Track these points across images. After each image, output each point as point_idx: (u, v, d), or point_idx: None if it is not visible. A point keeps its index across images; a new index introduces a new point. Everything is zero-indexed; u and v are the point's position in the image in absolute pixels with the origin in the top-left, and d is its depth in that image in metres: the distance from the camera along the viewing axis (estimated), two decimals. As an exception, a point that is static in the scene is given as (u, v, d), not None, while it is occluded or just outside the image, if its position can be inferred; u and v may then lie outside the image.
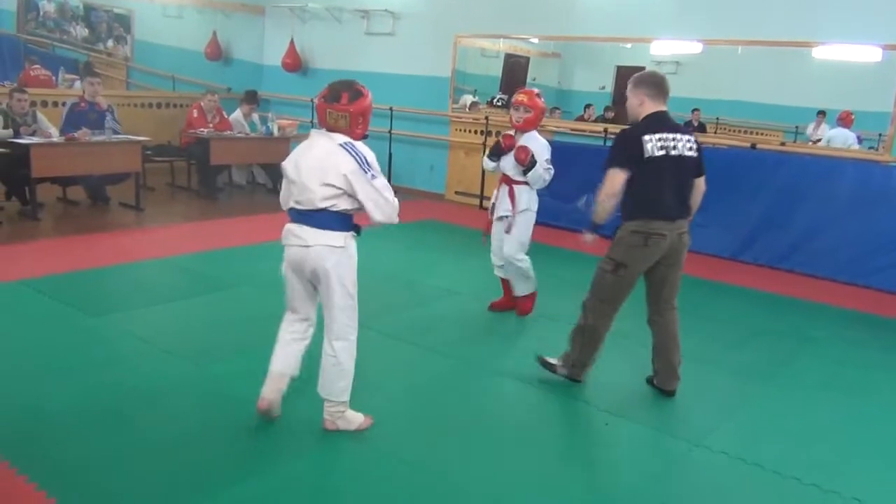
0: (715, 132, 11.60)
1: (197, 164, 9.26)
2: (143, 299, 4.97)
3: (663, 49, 8.99)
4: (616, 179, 3.42)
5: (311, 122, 11.11)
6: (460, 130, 10.08)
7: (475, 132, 9.92)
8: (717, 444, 3.45)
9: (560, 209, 8.54)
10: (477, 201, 9.67)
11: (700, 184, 3.65)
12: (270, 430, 3.27)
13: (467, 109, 10.37)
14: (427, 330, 4.70)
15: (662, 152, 3.42)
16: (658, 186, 3.46)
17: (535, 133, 4.68)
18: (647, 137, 3.42)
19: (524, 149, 4.54)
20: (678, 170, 3.49)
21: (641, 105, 3.51)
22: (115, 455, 2.98)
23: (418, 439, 3.32)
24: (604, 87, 11.05)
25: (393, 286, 5.73)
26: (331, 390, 3.22)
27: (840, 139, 7.87)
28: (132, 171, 7.89)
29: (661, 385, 3.91)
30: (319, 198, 2.99)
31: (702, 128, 11.63)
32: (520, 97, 4.64)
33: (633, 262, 3.57)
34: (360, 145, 3.04)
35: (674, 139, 3.47)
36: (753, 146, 7.64)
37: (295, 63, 11.62)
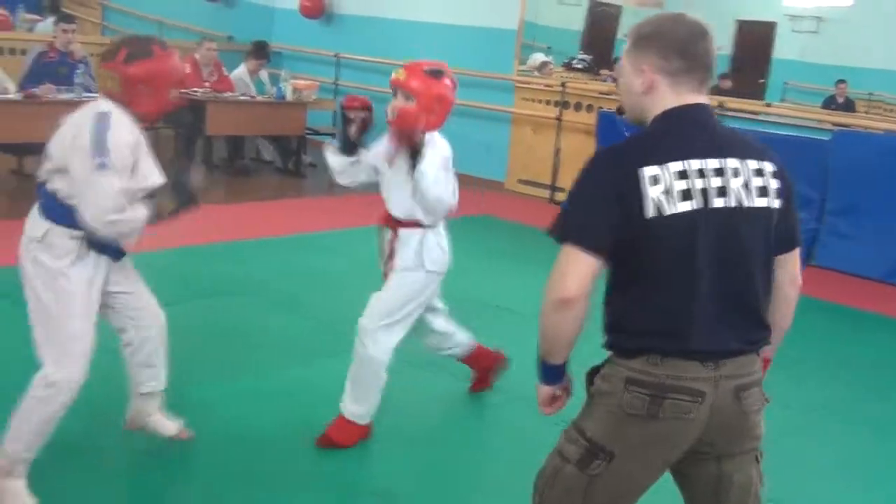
0: (866, 112, 11.37)
1: (184, 134, 9.24)
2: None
3: (801, -1, 8.85)
4: (576, 271, 2.06)
5: (335, 82, 11.21)
6: (527, 100, 10.04)
7: (547, 103, 9.88)
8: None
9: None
10: (547, 193, 9.66)
11: (790, 266, 2.26)
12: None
13: (536, 72, 10.33)
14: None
15: (688, 205, 2.05)
16: (681, 282, 2.09)
17: (434, 136, 3.67)
18: (650, 171, 2.05)
19: (406, 115, 3.57)
20: (732, 241, 2.10)
21: (649, 91, 2.17)
22: None
23: None
24: (720, 49, 10.92)
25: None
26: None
27: None
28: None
29: None
30: (45, 168, 2.97)
31: (849, 105, 11.43)
32: (398, 74, 3.64)
33: (627, 451, 2.11)
34: (118, 121, 2.88)
35: (719, 170, 2.10)
36: (919, 132, 7.50)
37: (316, 6, 11.75)
